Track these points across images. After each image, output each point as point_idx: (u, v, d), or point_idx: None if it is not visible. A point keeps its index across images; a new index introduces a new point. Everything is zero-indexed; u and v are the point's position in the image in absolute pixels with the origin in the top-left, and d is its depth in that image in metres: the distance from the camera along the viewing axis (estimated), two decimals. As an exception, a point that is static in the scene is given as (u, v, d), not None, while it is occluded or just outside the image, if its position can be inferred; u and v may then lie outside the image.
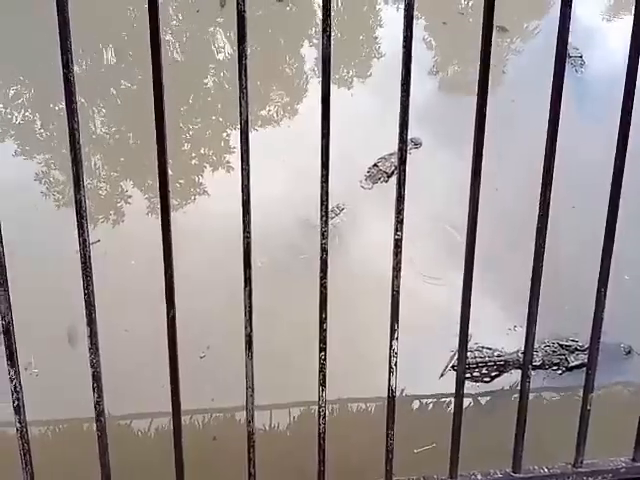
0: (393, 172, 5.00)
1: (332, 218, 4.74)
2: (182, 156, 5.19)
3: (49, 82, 4.72)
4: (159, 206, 1.80)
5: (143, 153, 4.99)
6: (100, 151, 5.18)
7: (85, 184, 1.79)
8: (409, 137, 5.52)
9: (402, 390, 3.66)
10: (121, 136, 5.30)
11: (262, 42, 6.01)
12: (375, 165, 5.04)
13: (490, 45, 1.77)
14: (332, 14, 1.74)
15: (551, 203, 1.92)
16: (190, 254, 4.26)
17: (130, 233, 4.57)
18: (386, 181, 4.94)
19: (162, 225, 1.82)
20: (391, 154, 5.09)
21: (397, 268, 1.90)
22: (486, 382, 3.97)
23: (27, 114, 5.52)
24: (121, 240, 4.53)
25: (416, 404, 3.80)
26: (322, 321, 1.92)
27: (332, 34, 1.74)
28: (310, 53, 6.18)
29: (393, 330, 1.93)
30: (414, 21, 1.77)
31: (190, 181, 5.04)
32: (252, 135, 1.80)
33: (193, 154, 5.28)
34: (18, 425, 1.93)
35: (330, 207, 4.81)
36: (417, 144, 5.25)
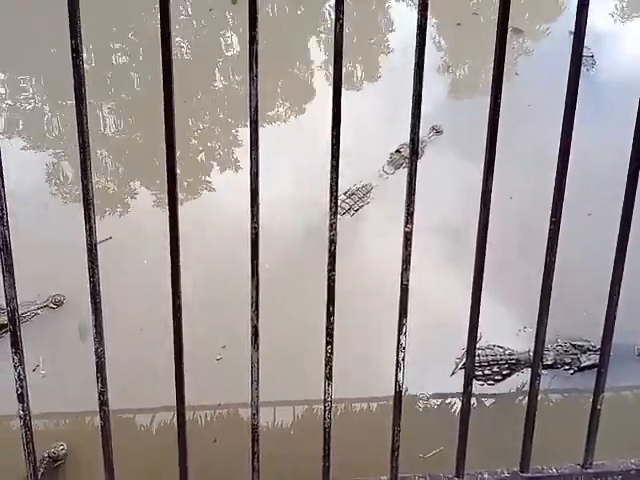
0: None
1: (356, 202, 4.81)
2: (190, 154, 5.19)
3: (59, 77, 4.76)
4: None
5: (151, 151, 4.99)
6: (108, 149, 5.19)
7: (92, 172, 1.77)
8: (431, 124, 5.45)
9: (406, 389, 3.64)
10: (129, 134, 5.32)
11: (271, 40, 5.98)
12: (397, 151, 5.05)
13: (505, 46, 1.74)
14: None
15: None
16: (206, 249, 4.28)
17: (142, 229, 4.57)
18: (407, 167, 4.99)
19: (170, 216, 1.80)
20: None
21: (407, 261, 1.86)
22: (497, 380, 3.94)
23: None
24: (133, 237, 4.54)
25: (421, 404, 3.77)
26: (329, 314, 1.89)
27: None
28: (320, 53, 6.18)
29: (401, 325, 1.89)
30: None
31: (198, 179, 5.05)
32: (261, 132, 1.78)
33: (201, 150, 5.29)
34: (21, 413, 1.91)
35: (352, 191, 4.94)
36: (439, 131, 5.28)
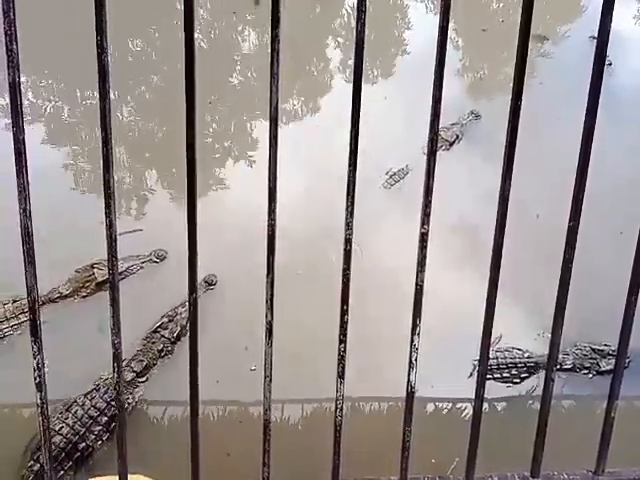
0: (454, 141, 5.31)
1: (397, 182, 5.12)
2: (206, 150, 5.24)
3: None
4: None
5: (169, 145, 5.05)
6: (125, 143, 5.25)
7: (114, 165, 1.78)
8: (470, 109, 5.58)
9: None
10: (147, 129, 5.38)
11: (289, 39, 6.01)
12: None
13: (526, 53, 1.73)
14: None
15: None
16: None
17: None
18: (447, 149, 5.17)
19: (188, 212, 1.81)
20: (453, 124, 5.38)
21: (422, 262, 1.86)
22: (515, 383, 3.93)
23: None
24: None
25: (431, 407, 3.77)
26: (343, 313, 1.89)
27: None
28: (336, 53, 6.19)
29: (415, 325, 1.89)
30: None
31: (213, 175, 5.10)
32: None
33: (217, 147, 5.32)
34: (39, 401, 1.93)
35: (394, 171, 5.25)
36: (477, 116, 5.39)
